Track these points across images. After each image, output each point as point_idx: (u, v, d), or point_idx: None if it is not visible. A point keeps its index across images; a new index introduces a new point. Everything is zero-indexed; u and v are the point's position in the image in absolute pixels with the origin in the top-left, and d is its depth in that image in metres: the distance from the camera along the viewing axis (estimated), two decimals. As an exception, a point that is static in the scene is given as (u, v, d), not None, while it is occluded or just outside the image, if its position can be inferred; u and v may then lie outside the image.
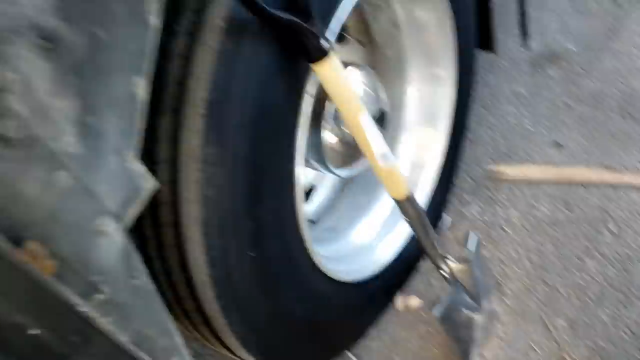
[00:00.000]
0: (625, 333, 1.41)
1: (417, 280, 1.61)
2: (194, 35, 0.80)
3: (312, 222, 1.43)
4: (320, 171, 1.24)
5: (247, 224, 0.92)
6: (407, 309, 1.59)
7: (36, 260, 0.52)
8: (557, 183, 1.73)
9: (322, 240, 1.40)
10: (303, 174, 0.99)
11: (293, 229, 1.02)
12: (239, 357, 1.11)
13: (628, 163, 1.71)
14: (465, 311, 1.30)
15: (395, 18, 1.34)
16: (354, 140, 1.13)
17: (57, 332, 0.56)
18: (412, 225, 1.15)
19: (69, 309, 0.55)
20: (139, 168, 0.64)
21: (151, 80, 0.64)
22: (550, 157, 1.80)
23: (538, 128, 1.87)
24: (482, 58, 1.61)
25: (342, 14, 0.98)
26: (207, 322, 1.01)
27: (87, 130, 0.56)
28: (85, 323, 0.58)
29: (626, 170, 1.70)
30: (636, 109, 1.89)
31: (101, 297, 0.61)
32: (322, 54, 0.87)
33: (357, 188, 1.53)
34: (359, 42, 1.41)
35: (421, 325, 1.54)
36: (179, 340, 0.80)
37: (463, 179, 1.81)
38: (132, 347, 0.65)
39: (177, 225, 0.87)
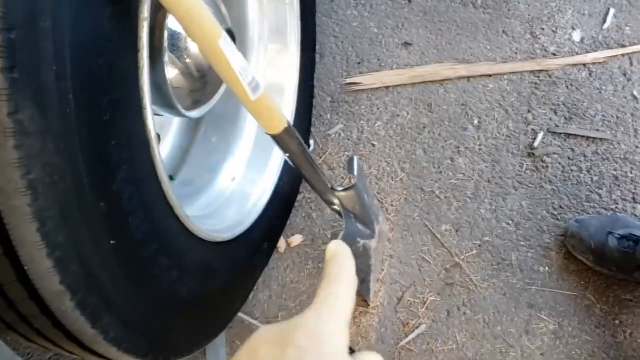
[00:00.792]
0: (508, 224, 1.41)
1: (296, 216, 1.47)
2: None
3: (171, 178, 1.20)
4: (166, 115, 1.00)
5: (99, 206, 0.68)
6: (291, 249, 1.45)
7: None
8: (414, 84, 1.64)
9: (183, 196, 1.17)
10: (152, 125, 0.75)
11: (159, 197, 0.80)
12: None
13: (478, 52, 1.68)
14: (361, 241, 1.19)
15: None
16: (200, 72, 0.91)
17: None
18: (294, 161, 0.97)
19: None
20: None
21: None
22: (402, 59, 1.70)
23: (384, 30, 1.75)
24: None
25: None
26: (72, 337, 0.77)
27: None
28: None
29: (478, 60, 1.66)
30: (473, -4, 1.85)
31: None
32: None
33: (210, 130, 1.32)
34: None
35: (309, 263, 1.42)
36: None
37: (321, 98, 1.67)
38: None
39: (2, 228, 0.62)
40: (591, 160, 1.48)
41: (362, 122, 1.61)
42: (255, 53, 1.30)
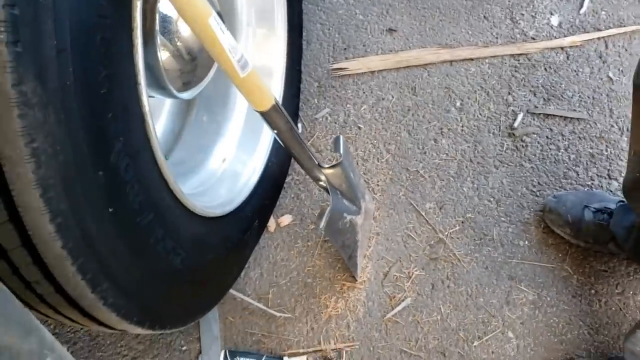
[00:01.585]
0: (489, 201, 1.46)
1: (285, 197, 1.51)
2: None
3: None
4: (158, 97, 1.04)
5: (98, 176, 0.73)
6: (280, 228, 1.50)
7: None
8: (399, 69, 1.69)
9: (176, 176, 1.22)
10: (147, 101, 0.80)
11: (154, 170, 0.84)
12: (120, 330, 0.94)
13: (460, 37, 1.73)
14: (348, 217, 1.24)
15: None
16: (191, 55, 0.95)
17: None
18: (282, 138, 1.02)
19: None
20: None
21: None
22: (387, 45, 1.75)
23: (369, 16, 1.80)
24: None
25: None
26: (73, 303, 0.82)
27: None
28: None
29: (460, 45, 1.71)
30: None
31: None
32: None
33: (201, 113, 1.36)
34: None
35: (299, 242, 1.47)
36: (49, 336, 0.62)
37: (308, 83, 1.71)
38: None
39: (8, 194, 0.66)
40: (569, 139, 1.53)
41: (348, 106, 1.66)
42: (244, 37, 1.35)
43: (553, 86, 1.59)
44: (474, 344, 1.30)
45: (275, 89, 1.39)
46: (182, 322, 1.06)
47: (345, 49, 1.76)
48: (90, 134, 0.71)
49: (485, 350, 1.29)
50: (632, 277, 1.34)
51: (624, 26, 1.68)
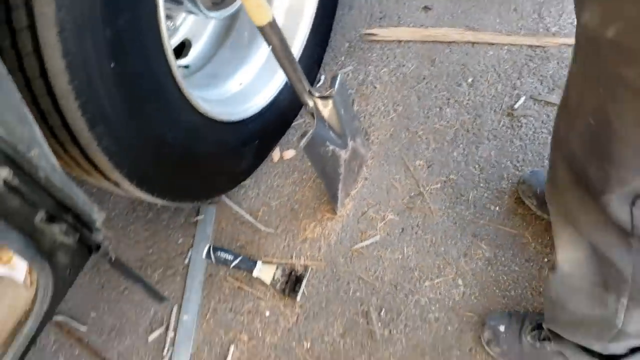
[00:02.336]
0: (475, 168, 1.58)
1: (293, 135, 1.69)
2: None
3: (187, 67, 1.46)
4: (193, 12, 1.24)
5: (106, 32, 0.93)
6: (283, 160, 1.68)
7: None
8: (424, 42, 1.83)
9: (203, 85, 1.45)
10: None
11: (156, 47, 1.04)
12: (114, 182, 1.14)
13: (487, 24, 1.84)
14: (331, 146, 1.40)
15: None
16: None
17: None
18: (275, 54, 1.20)
19: None
20: None
21: None
22: (419, 20, 1.89)
23: (410, -6, 1.95)
24: None
25: None
26: (75, 140, 1.02)
27: None
28: None
29: (485, 30, 1.82)
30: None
31: None
32: None
33: (235, 42, 1.56)
34: None
35: (295, 174, 1.65)
36: (38, 131, 0.82)
37: (340, 43, 1.88)
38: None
39: (33, 29, 0.87)
40: (563, 126, 1.62)
41: (370, 67, 1.81)
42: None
43: (560, 78, 1.68)
44: (425, 284, 1.42)
45: (301, 29, 1.57)
46: (169, 195, 1.26)
47: (381, 18, 1.92)
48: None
49: (434, 290, 1.41)
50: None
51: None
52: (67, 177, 0.89)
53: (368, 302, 1.42)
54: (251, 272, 1.48)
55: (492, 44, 1.79)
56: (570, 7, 1.77)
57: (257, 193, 1.63)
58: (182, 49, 1.51)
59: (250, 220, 1.58)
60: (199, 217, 1.61)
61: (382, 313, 1.40)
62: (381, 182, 1.59)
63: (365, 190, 1.59)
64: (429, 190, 1.56)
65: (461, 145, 1.62)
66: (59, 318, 1.50)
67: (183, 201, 1.34)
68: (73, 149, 1.06)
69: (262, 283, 1.47)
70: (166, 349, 1.42)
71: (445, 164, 1.60)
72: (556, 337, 1.18)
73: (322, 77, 1.81)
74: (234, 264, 1.49)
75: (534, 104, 1.65)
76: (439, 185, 1.57)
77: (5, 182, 0.79)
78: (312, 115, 1.35)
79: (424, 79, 1.76)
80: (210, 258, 1.50)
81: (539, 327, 1.25)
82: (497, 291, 1.39)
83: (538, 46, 1.75)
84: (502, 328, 1.29)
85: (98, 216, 0.99)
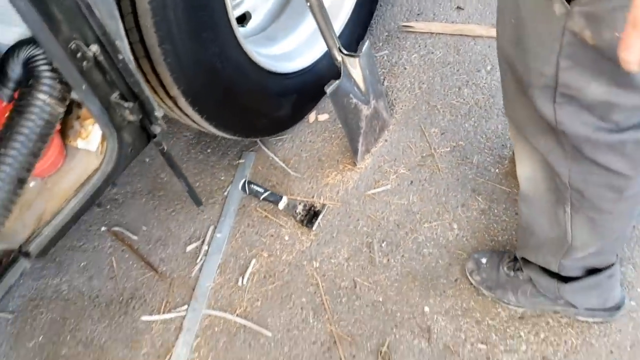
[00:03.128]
0: (482, 137, 1.79)
1: (328, 102, 1.96)
2: None
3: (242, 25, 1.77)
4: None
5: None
6: (317, 121, 1.95)
7: None
8: (453, 35, 2.08)
9: (262, 44, 1.75)
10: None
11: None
12: (173, 100, 1.42)
13: (512, 21, 2.06)
14: (354, 99, 1.66)
15: None
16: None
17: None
18: (312, 11, 1.47)
19: None
20: None
21: None
22: (452, 17, 2.14)
23: (448, -4, 2.21)
24: None
25: None
26: (147, 54, 1.30)
27: None
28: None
29: (508, 26, 2.04)
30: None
31: None
32: None
33: (289, 13, 1.87)
34: None
35: (326, 133, 1.91)
36: (121, 27, 1.12)
37: (380, 32, 2.15)
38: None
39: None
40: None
41: (403, 52, 2.07)
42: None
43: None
44: (424, 225, 1.64)
45: (344, 9, 1.86)
46: (214, 120, 1.53)
47: (418, 14, 2.19)
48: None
49: (431, 231, 1.62)
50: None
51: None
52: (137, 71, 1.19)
53: (372, 235, 1.64)
54: (277, 204, 1.74)
55: (514, 38, 2.01)
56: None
57: (291, 145, 1.90)
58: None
59: (282, 166, 1.84)
60: (240, 161, 1.89)
61: (384, 245, 1.62)
62: (399, 144, 1.83)
63: (384, 149, 1.82)
64: (439, 152, 1.78)
65: (473, 119, 1.84)
66: (115, 229, 1.81)
67: (226, 130, 1.61)
68: (145, 64, 1.36)
69: (285, 214, 1.72)
70: (199, 258, 1.69)
71: (457, 132, 1.82)
72: (526, 263, 1.37)
73: (360, 58, 2.07)
74: (263, 196, 1.75)
75: (543, 89, 1.85)
76: (448, 149, 1.78)
77: (95, 57, 1.09)
78: (339, 70, 1.61)
79: (448, 64, 2.00)
80: (245, 190, 1.78)
81: (514, 260, 1.43)
82: (487, 236, 1.58)
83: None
84: (483, 260, 1.49)
85: (158, 112, 1.29)
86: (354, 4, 1.88)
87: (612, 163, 0.99)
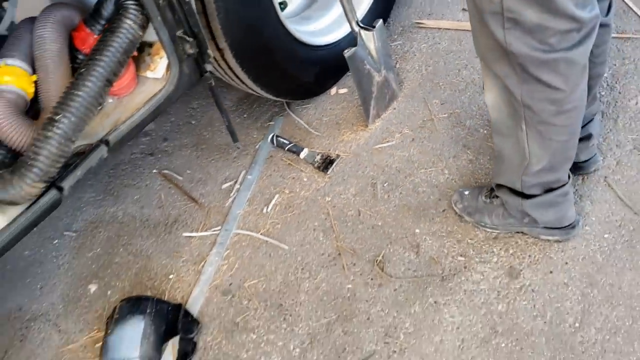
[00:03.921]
0: (475, 107, 2.12)
1: (349, 78, 2.32)
2: None
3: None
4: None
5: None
6: (338, 94, 2.31)
7: None
8: (457, 30, 2.44)
9: (301, 22, 2.14)
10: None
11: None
12: (221, 52, 1.79)
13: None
14: (367, 66, 2.01)
15: None
16: None
17: None
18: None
19: None
20: None
21: None
22: (458, 17, 2.50)
23: None
24: None
25: None
26: (204, 9, 1.68)
27: None
28: None
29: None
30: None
31: None
32: None
33: (319, 6, 2.27)
34: None
35: (344, 103, 2.27)
36: None
37: (396, 27, 2.53)
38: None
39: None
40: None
41: (414, 42, 2.44)
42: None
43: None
44: (421, 170, 1.96)
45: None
46: (251, 74, 1.89)
47: (429, 14, 2.56)
48: None
49: (426, 175, 1.94)
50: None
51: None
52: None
53: (377, 178, 1.97)
54: (299, 155, 2.09)
55: (509, 32, 2.35)
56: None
57: (314, 112, 2.26)
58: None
59: (305, 127, 2.20)
60: (270, 123, 2.26)
61: (385, 185, 1.94)
62: (405, 111, 2.17)
63: (392, 115, 2.17)
64: (438, 117, 2.12)
65: (468, 93, 2.17)
66: (164, 171, 2.18)
67: (260, 85, 1.97)
68: (202, 19, 1.74)
69: (305, 162, 2.07)
70: (232, 193, 2.05)
71: (454, 103, 2.15)
72: (498, 187, 1.67)
73: (377, 47, 2.43)
74: (287, 147, 2.11)
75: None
76: (446, 115, 2.12)
77: (167, -3, 1.48)
78: (355, 38, 1.98)
79: (451, 52, 2.35)
80: (273, 143, 2.14)
81: (491, 190, 1.74)
82: (472, 179, 1.90)
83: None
84: (466, 193, 1.79)
85: (211, 52, 1.67)
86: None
87: (550, 80, 1.31)
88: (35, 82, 1.48)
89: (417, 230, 1.79)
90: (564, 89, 1.32)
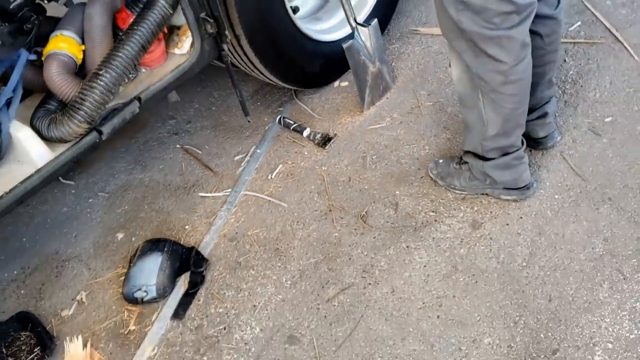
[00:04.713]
0: (457, 97, 2.43)
1: (350, 74, 2.66)
2: None
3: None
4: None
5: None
6: (340, 87, 2.65)
7: None
8: (448, 35, 2.76)
9: (311, 22, 2.49)
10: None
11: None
12: (237, 37, 2.15)
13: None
14: (363, 57, 2.35)
15: None
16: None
17: None
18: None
19: None
20: None
21: None
22: (450, 25, 2.83)
23: (449, 10, 2.91)
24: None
25: None
26: (227, 13, 2.05)
27: None
28: None
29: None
30: None
31: None
32: None
33: (326, 11, 2.63)
34: None
35: (345, 94, 2.60)
36: None
37: (394, 33, 2.87)
38: None
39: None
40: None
41: (409, 45, 2.77)
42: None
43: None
44: (405, 147, 2.26)
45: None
46: (263, 59, 2.24)
47: (425, 23, 2.90)
48: None
49: (409, 150, 2.24)
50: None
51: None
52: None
53: (366, 152, 2.28)
54: (302, 133, 2.41)
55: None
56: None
57: (318, 100, 2.59)
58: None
59: (309, 112, 2.53)
60: (280, 109, 2.60)
61: (374, 157, 2.25)
62: (396, 100, 2.49)
63: (385, 103, 2.49)
64: (424, 105, 2.43)
65: (453, 86, 2.47)
66: (186, 146, 2.53)
67: (270, 70, 2.31)
68: (222, 6, 2.10)
69: (307, 140, 2.39)
70: (243, 163, 2.37)
71: (439, 94, 2.46)
72: (465, 153, 1.96)
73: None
74: (292, 127, 2.44)
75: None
76: (431, 103, 2.43)
77: (192, -15, 1.84)
78: (353, 32, 2.32)
79: (440, 53, 2.67)
80: (280, 123, 2.47)
81: (460, 158, 2.03)
82: (448, 154, 2.19)
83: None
84: (441, 161, 2.09)
85: (228, 33, 2.02)
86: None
87: (496, 54, 1.62)
88: (84, 51, 1.83)
89: (397, 192, 2.09)
90: (507, 61, 1.62)
